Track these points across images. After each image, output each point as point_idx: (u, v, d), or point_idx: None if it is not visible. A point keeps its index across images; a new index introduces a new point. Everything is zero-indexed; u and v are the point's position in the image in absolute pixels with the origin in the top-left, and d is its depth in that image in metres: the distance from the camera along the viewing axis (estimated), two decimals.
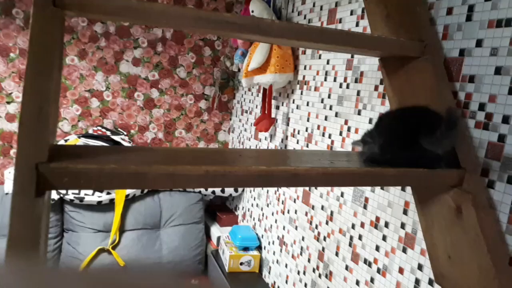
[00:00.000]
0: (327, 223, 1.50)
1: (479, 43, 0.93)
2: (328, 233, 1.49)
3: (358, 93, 1.37)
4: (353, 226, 1.36)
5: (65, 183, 0.61)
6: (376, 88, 1.29)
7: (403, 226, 1.14)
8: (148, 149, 0.81)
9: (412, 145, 0.82)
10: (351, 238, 1.36)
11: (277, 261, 1.85)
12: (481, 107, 0.91)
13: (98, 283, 0.20)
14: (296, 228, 1.70)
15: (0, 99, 2.03)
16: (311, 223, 1.60)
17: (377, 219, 1.24)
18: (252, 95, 2.23)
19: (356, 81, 1.39)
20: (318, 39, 0.86)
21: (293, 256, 1.72)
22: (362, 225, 1.31)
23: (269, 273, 1.92)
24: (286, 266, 1.77)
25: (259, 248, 2.00)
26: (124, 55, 2.22)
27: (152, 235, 2.07)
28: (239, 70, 2.33)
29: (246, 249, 1.96)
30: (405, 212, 1.13)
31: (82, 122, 2.20)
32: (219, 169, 0.69)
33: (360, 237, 1.32)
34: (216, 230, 2.23)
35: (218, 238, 2.15)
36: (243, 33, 0.79)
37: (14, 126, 2.09)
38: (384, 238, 1.21)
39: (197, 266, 2.11)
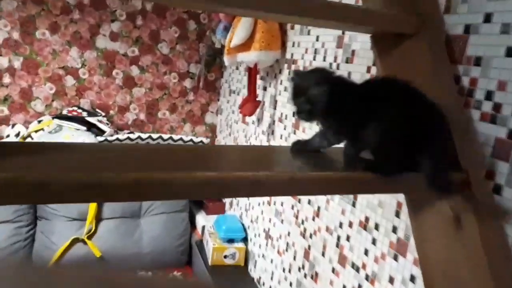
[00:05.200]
0: (313, 219, 1.36)
1: (487, 18, 0.76)
2: (315, 230, 1.35)
3: (349, 75, 1.21)
4: (340, 225, 1.22)
5: None
6: (368, 69, 1.12)
7: (394, 230, 1.00)
8: (77, 146, 0.66)
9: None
10: (339, 238, 1.22)
11: (263, 255, 1.72)
12: (488, 95, 0.75)
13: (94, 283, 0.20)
14: (282, 221, 1.57)
15: None
16: (297, 217, 1.47)
17: (367, 219, 1.10)
18: (240, 74, 2.06)
19: (347, 61, 1.22)
20: (289, 10, 0.70)
21: (278, 252, 1.59)
22: (351, 224, 1.17)
23: (254, 267, 1.80)
24: (271, 261, 1.65)
25: (245, 239, 1.88)
26: (101, 29, 2.04)
27: (131, 224, 1.94)
28: (223, 46, 2.15)
29: (231, 241, 1.84)
30: (397, 214, 0.99)
31: (57, 101, 2.05)
32: (152, 177, 0.54)
33: (348, 238, 1.18)
34: (201, 219, 2.10)
35: (203, 228, 2.03)
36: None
37: None
38: (373, 241, 1.07)
39: (179, 257, 2.00)
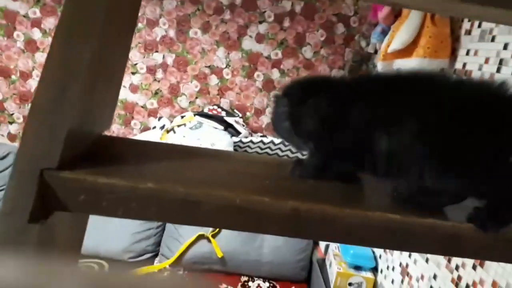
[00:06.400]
0: (474, 267, 1.10)
1: None
2: (474, 282, 1.09)
3: None
4: None
5: (82, 202, 0.41)
6: None
7: None
8: (224, 155, 0.57)
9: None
10: None
11: None
12: None
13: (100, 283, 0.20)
14: (426, 260, 1.33)
15: (126, 69, 2.05)
16: (449, 260, 1.21)
17: None
18: None
19: None
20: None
21: None
22: None
23: None
24: None
25: (374, 269, 1.67)
26: (248, 30, 2.03)
27: None
28: (376, 51, 1.95)
29: (358, 268, 1.65)
30: None
31: (200, 99, 2.11)
32: (315, 209, 0.42)
33: None
34: None
35: (327, 247, 1.87)
36: None
37: (136, 97, 2.10)
38: None
39: (299, 273, 1.87)
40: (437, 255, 0.47)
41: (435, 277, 1.27)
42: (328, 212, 0.42)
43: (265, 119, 2.15)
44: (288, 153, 1.95)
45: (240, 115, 2.08)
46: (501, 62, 1.12)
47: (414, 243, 0.44)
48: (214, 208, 0.41)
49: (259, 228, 0.43)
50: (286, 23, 2.03)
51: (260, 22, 2.03)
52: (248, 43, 2.05)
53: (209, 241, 1.85)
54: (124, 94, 2.08)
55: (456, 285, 1.16)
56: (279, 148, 1.95)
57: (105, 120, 0.56)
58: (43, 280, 0.20)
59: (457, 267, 1.17)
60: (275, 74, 2.09)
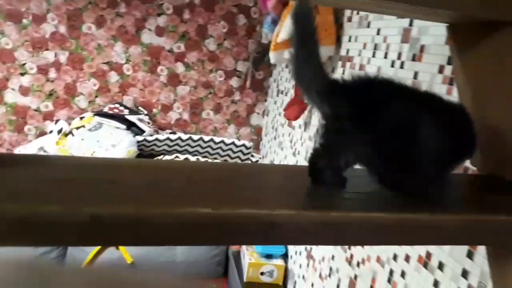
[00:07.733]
0: (362, 245, 1.15)
1: None
2: (363, 259, 1.14)
3: (416, 75, 0.99)
4: (395, 257, 1.00)
5: None
6: (441, 69, 0.90)
7: (465, 274, 0.77)
8: (60, 160, 0.52)
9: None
10: (391, 272, 1.01)
11: (303, 277, 1.53)
12: None
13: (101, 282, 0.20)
14: None
15: (13, 70, 1.88)
16: None
17: (428, 255, 0.88)
18: (289, 73, 1.88)
19: (413, 59, 1.01)
20: None
21: (320, 276, 1.40)
22: (407, 258, 0.95)
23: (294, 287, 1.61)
24: (312, 286, 1.45)
25: (285, 256, 1.70)
26: (147, 23, 1.96)
27: None
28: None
29: (269, 256, 1.67)
30: (469, 255, 0.77)
31: (100, 98, 2.00)
32: (119, 213, 0.39)
33: (403, 274, 0.96)
34: None
35: None
36: None
37: (28, 100, 1.93)
38: (436, 284, 0.85)
39: (215, 268, 1.86)
40: (256, 245, 0.46)
41: (333, 258, 1.32)
42: (134, 215, 0.39)
43: (174, 115, 2.10)
44: (199, 148, 1.92)
45: (146, 112, 2.00)
46: (375, 47, 1.17)
47: (229, 236, 0.42)
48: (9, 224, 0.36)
49: (52, 241, 0.39)
50: (186, 15, 1.98)
51: (159, 15, 1.96)
52: (148, 37, 1.98)
53: (118, 248, 1.76)
54: (14, 97, 1.90)
55: (349, 263, 1.21)
56: (188, 144, 1.91)
57: None
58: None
59: (349, 247, 1.22)
60: (180, 68, 2.04)
